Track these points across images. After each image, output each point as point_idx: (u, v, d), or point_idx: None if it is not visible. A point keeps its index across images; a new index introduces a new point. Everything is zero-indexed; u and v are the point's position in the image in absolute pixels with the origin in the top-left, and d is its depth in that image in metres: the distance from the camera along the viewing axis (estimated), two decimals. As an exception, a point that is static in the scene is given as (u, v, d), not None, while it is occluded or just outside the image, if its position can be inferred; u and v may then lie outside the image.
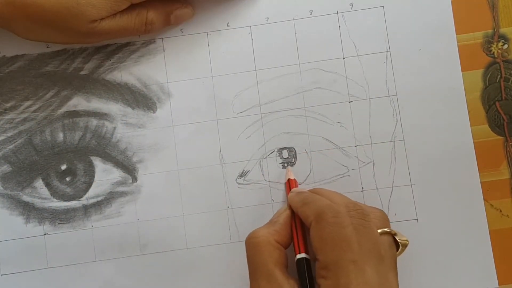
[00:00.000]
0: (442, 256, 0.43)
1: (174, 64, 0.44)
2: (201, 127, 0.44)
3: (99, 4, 0.39)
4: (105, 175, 0.44)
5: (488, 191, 0.43)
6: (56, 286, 0.43)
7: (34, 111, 0.44)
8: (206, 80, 0.44)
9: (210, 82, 0.44)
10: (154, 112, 0.44)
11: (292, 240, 0.39)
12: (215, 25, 0.45)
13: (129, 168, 0.44)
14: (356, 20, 0.44)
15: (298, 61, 0.44)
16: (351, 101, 0.44)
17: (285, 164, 0.44)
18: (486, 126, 0.44)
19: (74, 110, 0.44)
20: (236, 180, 0.44)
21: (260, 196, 0.43)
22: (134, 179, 0.44)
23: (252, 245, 0.38)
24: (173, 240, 0.43)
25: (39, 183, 0.44)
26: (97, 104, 0.44)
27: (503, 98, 0.44)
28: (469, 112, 0.44)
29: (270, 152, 0.44)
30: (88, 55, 0.44)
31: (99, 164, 0.44)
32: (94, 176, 0.44)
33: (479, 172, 0.43)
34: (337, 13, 0.44)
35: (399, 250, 0.38)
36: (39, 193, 0.44)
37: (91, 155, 0.44)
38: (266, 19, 0.45)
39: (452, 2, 0.44)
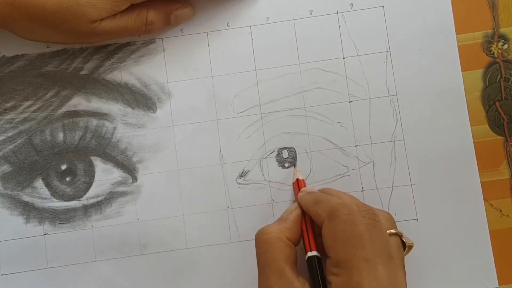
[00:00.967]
0: (442, 256, 0.43)
1: (174, 64, 0.44)
2: (201, 127, 0.44)
3: (100, 4, 0.39)
4: (105, 175, 0.44)
5: (488, 191, 0.43)
6: (56, 286, 0.43)
7: (34, 111, 0.44)
8: (206, 80, 0.44)
9: (210, 82, 0.44)
10: (154, 112, 0.44)
11: (301, 238, 0.39)
12: (215, 25, 0.45)
13: (129, 168, 0.44)
14: (356, 20, 0.44)
15: (298, 61, 0.44)
16: (351, 101, 0.44)
17: (286, 164, 0.44)
18: (486, 126, 0.44)
19: (74, 110, 0.44)
20: (236, 180, 0.44)
21: (260, 196, 0.43)
22: (134, 179, 0.44)
23: (263, 241, 0.37)
24: (173, 240, 0.43)
25: (39, 183, 0.44)
26: (97, 104, 0.44)
27: (503, 98, 0.44)
28: (469, 112, 0.44)
29: (270, 152, 0.44)
30: (88, 55, 0.44)
31: (99, 164, 0.44)
32: (94, 176, 0.44)
33: (479, 172, 0.43)
34: (337, 13, 0.44)
35: (405, 251, 0.38)
36: (39, 193, 0.44)
37: (91, 155, 0.44)
38: (266, 19, 0.45)
39: (452, 2, 0.44)
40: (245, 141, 0.44)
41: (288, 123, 0.44)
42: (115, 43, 0.44)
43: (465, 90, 0.44)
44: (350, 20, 0.44)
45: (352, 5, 0.44)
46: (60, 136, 0.44)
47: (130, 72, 0.44)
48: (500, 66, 0.44)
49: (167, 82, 0.44)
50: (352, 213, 0.36)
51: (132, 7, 0.41)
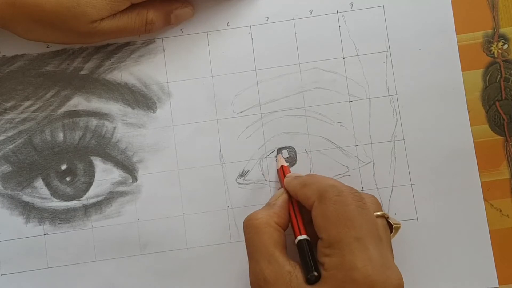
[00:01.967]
0: (441, 256, 0.43)
1: (174, 64, 0.44)
2: (201, 127, 0.44)
3: (100, 4, 0.39)
4: (105, 175, 0.44)
5: (488, 191, 0.43)
6: (56, 286, 0.43)
7: (34, 111, 0.44)
8: (206, 80, 0.44)
9: (210, 82, 0.44)
10: (154, 112, 0.44)
11: (290, 222, 0.39)
12: (215, 25, 0.45)
13: (129, 168, 0.44)
14: (356, 20, 0.44)
15: (298, 61, 0.44)
16: (351, 101, 0.44)
17: (285, 164, 0.44)
18: (486, 126, 0.44)
19: (74, 110, 0.44)
20: (236, 180, 0.44)
21: (260, 196, 0.43)
22: (134, 179, 0.44)
23: (251, 226, 0.38)
24: (173, 240, 0.43)
25: (39, 183, 0.44)
26: (97, 104, 0.44)
27: (503, 98, 0.44)
28: (469, 112, 0.44)
29: (270, 151, 0.44)
30: (88, 55, 0.44)
31: (99, 164, 0.44)
32: (94, 176, 0.44)
33: (479, 172, 0.43)
34: (337, 13, 0.44)
35: (392, 232, 0.38)
36: (39, 193, 0.44)
37: (91, 155, 0.44)
38: (266, 19, 0.45)
39: (452, 2, 0.44)
40: (245, 141, 0.44)
41: (288, 123, 0.44)
42: (115, 43, 0.44)
43: (465, 90, 0.44)
44: (350, 20, 0.44)
45: (352, 5, 0.44)
46: (60, 136, 0.44)
47: (130, 72, 0.44)
48: (500, 66, 0.44)
49: (167, 82, 0.44)
50: (341, 194, 0.36)
51: (132, 7, 0.41)
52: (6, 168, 0.44)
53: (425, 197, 0.43)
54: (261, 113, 0.44)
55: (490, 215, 0.43)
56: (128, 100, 0.44)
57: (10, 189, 0.44)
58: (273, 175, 0.44)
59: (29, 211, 0.43)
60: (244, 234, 0.38)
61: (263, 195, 0.43)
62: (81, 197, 0.44)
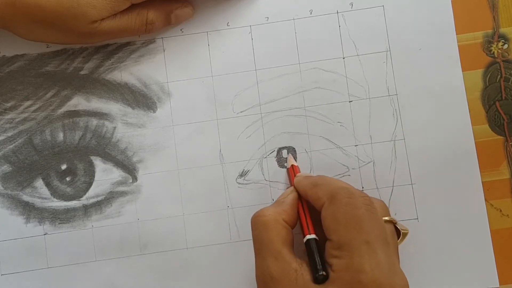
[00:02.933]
0: (442, 256, 0.43)
1: (174, 64, 0.44)
2: (201, 127, 0.44)
3: (100, 4, 0.39)
4: (105, 175, 0.44)
5: (488, 191, 0.43)
6: (56, 286, 0.43)
7: (34, 111, 0.44)
8: (206, 80, 0.44)
9: (210, 82, 0.44)
10: (154, 112, 0.44)
11: (298, 221, 0.39)
12: (215, 25, 0.45)
13: (129, 168, 0.44)
14: (356, 20, 0.44)
15: (298, 61, 0.44)
16: (351, 101, 0.44)
17: (286, 164, 0.44)
18: (486, 126, 0.44)
19: (74, 110, 0.44)
20: (236, 180, 0.44)
21: (260, 196, 0.43)
22: (134, 179, 0.44)
23: (259, 223, 0.37)
24: (173, 240, 0.43)
25: (39, 183, 0.44)
26: (97, 104, 0.44)
27: (503, 98, 0.44)
28: (469, 112, 0.44)
29: (270, 151, 0.44)
30: (88, 55, 0.44)
31: (99, 164, 0.44)
32: (94, 176, 0.44)
33: (480, 172, 0.43)
34: (337, 13, 0.44)
35: (400, 238, 0.38)
36: (39, 193, 0.44)
37: (91, 155, 0.44)
38: (266, 19, 0.45)
39: (452, 2, 0.44)
40: (245, 141, 0.44)
41: (288, 123, 0.44)
42: (115, 43, 0.44)
43: (465, 90, 0.44)
44: (350, 20, 0.44)
45: (352, 5, 0.45)
46: (60, 136, 0.44)
47: (130, 72, 0.44)
48: (500, 66, 0.44)
49: (167, 82, 0.44)
50: (352, 197, 0.36)
51: (132, 7, 0.41)
52: (6, 168, 0.44)
53: (425, 197, 0.43)
54: (261, 113, 0.44)
55: (490, 215, 0.43)
56: (128, 100, 0.44)
57: (10, 189, 0.44)
58: (273, 175, 0.44)
59: (29, 211, 0.43)
60: (252, 231, 0.38)
61: (263, 195, 0.43)
62: (81, 197, 0.43)
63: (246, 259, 0.43)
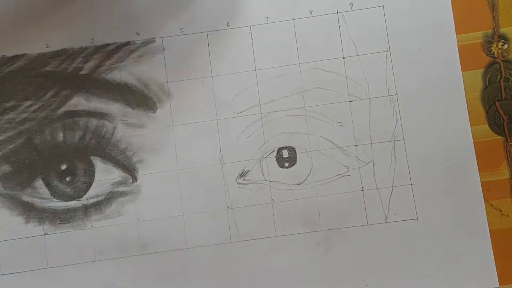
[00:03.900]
0: (441, 256, 0.43)
1: (174, 64, 0.44)
2: (201, 127, 0.44)
3: None
4: (105, 175, 0.44)
5: (488, 191, 0.43)
6: (56, 286, 0.43)
7: (34, 111, 0.44)
8: (206, 80, 0.44)
9: (210, 82, 0.44)
10: (154, 112, 0.44)
11: None
12: (215, 25, 0.45)
13: (129, 168, 0.44)
14: (356, 20, 0.44)
15: (298, 61, 0.44)
16: (351, 101, 0.44)
17: (286, 164, 0.44)
18: (486, 126, 0.44)
19: (74, 110, 0.44)
20: (236, 180, 0.44)
21: (260, 196, 0.43)
22: (134, 179, 0.44)
23: None
24: (173, 240, 0.43)
25: (39, 183, 0.44)
26: (97, 104, 0.44)
27: (503, 98, 0.44)
28: (469, 112, 0.44)
29: (270, 152, 0.44)
30: (88, 55, 0.44)
31: (99, 164, 0.44)
32: (94, 176, 0.44)
33: (479, 172, 0.43)
34: (337, 13, 0.45)
35: None
36: (39, 193, 0.44)
37: (91, 155, 0.44)
38: (266, 19, 0.45)
39: (452, 2, 0.44)
40: (245, 141, 0.44)
41: (288, 123, 0.44)
42: (115, 43, 0.44)
43: (465, 90, 0.44)
44: (350, 20, 0.44)
45: (352, 5, 0.45)
46: (60, 136, 0.44)
47: (130, 72, 0.44)
48: (500, 66, 0.44)
49: (167, 82, 0.44)
50: None
51: None
52: (6, 168, 0.44)
53: (425, 197, 0.43)
54: (261, 113, 0.44)
55: (490, 215, 0.43)
56: (128, 100, 0.44)
57: (10, 189, 0.44)
58: (273, 175, 0.44)
59: (29, 211, 0.43)
60: None
61: (263, 195, 0.43)
62: (81, 197, 0.44)
63: (246, 259, 0.43)
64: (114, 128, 0.44)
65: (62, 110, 0.44)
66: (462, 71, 0.44)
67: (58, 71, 0.44)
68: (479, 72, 0.44)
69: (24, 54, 0.44)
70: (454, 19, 0.44)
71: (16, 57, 0.44)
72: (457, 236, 0.43)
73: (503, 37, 0.44)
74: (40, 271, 0.43)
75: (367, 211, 0.43)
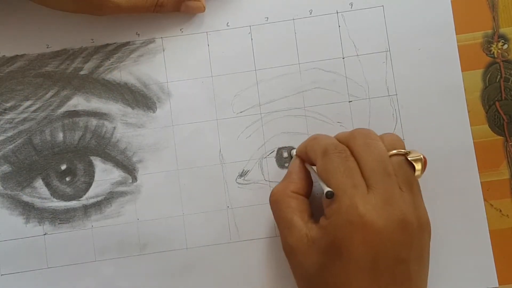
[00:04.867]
0: (442, 256, 0.43)
1: (174, 64, 0.44)
2: (201, 127, 0.44)
3: None
4: (105, 175, 0.44)
5: (488, 191, 0.43)
6: (56, 286, 0.43)
7: (34, 111, 0.44)
8: (206, 80, 0.44)
9: (210, 82, 0.44)
10: (154, 112, 0.44)
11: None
12: (215, 25, 0.45)
13: (129, 168, 0.44)
14: (356, 20, 0.44)
15: (298, 61, 0.44)
16: (351, 101, 0.44)
17: (285, 164, 0.44)
18: (486, 126, 0.44)
19: (74, 110, 0.44)
20: (236, 180, 0.44)
21: (260, 196, 0.43)
22: (134, 179, 0.44)
23: (272, 203, 0.40)
24: (173, 240, 0.43)
25: (39, 183, 0.44)
26: (96, 104, 0.44)
27: (503, 98, 0.44)
28: (469, 112, 0.44)
29: (270, 152, 0.44)
30: (87, 55, 0.44)
31: (99, 164, 0.44)
32: (94, 176, 0.44)
33: (479, 172, 0.43)
34: (337, 13, 0.44)
35: (416, 168, 0.38)
36: (39, 193, 0.44)
37: (91, 155, 0.44)
38: (266, 19, 0.45)
39: (452, 2, 0.44)
40: (245, 141, 0.44)
41: (288, 123, 0.44)
42: (115, 43, 0.44)
43: (465, 90, 0.44)
44: (350, 20, 0.44)
45: (351, 5, 0.44)
46: (60, 136, 0.44)
47: (129, 72, 0.44)
48: (500, 66, 0.44)
49: (167, 82, 0.44)
50: (342, 151, 0.37)
51: None
52: (6, 168, 0.44)
53: (425, 197, 0.43)
54: (261, 113, 0.44)
55: (490, 215, 0.43)
56: (127, 100, 0.44)
57: (10, 189, 0.44)
58: (273, 175, 0.44)
59: (29, 211, 0.43)
60: (271, 211, 0.40)
61: (263, 195, 0.43)
62: (81, 197, 0.44)
63: (246, 259, 0.43)
64: (114, 128, 0.44)
65: (62, 110, 0.44)
66: (462, 71, 0.44)
67: (58, 71, 0.44)
68: (479, 72, 0.44)
69: (24, 54, 0.44)
70: (454, 19, 0.44)
71: (16, 57, 0.44)
72: (457, 236, 0.43)
73: (503, 37, 0.44)
74: (40, 271, 0.43)
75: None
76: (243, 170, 0.44)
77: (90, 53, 0.44)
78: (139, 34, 0.44)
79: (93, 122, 0.44)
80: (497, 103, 0.44)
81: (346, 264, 0.35)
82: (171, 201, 0.44)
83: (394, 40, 0.44)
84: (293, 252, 0.37)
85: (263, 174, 0.44)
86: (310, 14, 0.45)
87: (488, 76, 0.44)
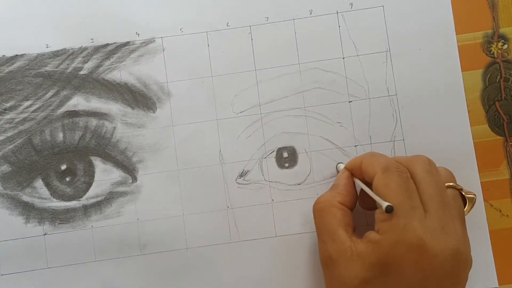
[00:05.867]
0: (442, 256, 0.43)
1: (174, 64, 0.44)
2: (201, 127, 0.44)
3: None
4: (105, 175, 0.44)
5: (488, 191, 0.43)
6: (56, 286, 0.43)
7: (34, 111, 0.44)
8: (206, 80, 0.44)
9: (210, 82, 0.44)
10: (154, 112, 0.44)
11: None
12: (215, 25, 0.45)
13: (129, 168, 0.44)
14: (356, 20, 0.44)
15: (298, 61, 0.44)
16: (351, 101, 0.44)
17: (285, 164, 0.44)
18: (486, 126, 0.44)
19: (74, 110, 0.44)
20: (236, 180, 0.44)
21: (260, 196, 0.43)
22: (134, 179, 0.44)
23: (317, 211, 0.39)
24: (173, 240, 0.43)
25: (39, 183, 0.44)
26: (96, 104, 0.44)
27: (503, 98, 0.44)
28: (469, 112, 0.44)
29: (270, 152, 0.44)
30: (87, 55, 0.44)
31: (99, 164, 0.44)
32: (94, 176, 0.44)
33: (479, 172, 0.43)
34: (337, 13, 0.44)
35: (467, 205, 0.39)
36: (39, 193, 0.44)
37: (91, 155, 0.44)
38: (266, 19, 0.45)
39: (452, 2, 0.44)
40: (245, 141, 0.44)
41: (288, 123, 0.44)
42: (115, 43, 0.44)
43: (465, 90, 0.44)
44: (350, 20, 0.44)
45: (352, 5, 0.44)
46: (60, 136, 0.44)
47: (129, 72, 0.44)
48: (500, 66, 0.44)
49: (167, 82, 0.44)
50: (404, 170, 0.37)
51: None
52: (6, 168, 0.44)
53: (425, 197, 0.43)
54: (261, 113, 0.44)
55: (490, 215, 0.43)
56: (127, 100, 0.44)
57: (10, 189, 0.44)
58: (273, 175, 0.44)
59: (29, 211, 0.43)
60: (314, 219, 0.40)
61: (263, 195, 0.43)
62: (81, 197, 0.44)
63: (246, 259, 0.43)
64: (114, 128, 0.44)
65: (61, 110, 0.44)
66: (462, 71, 0.44)
67: (58, 71, 0.44)
68: (479, 72, 0.44)
69: (24, 54, 0.44)
70: (454, 19, 0.44)
71: (15, 57, 0.44)
72: (457, 236, 0.43)
73: (503, 37, 0.44)
74: (40, 271, 0.43)
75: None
76: (243, 170, 0.44)
77: (90, 53, 0.44)
78: (139, 34, 0.44)
79: (93, 122, 0.44)
80: (497, 103, 0.44)
81: (393, 282, 0.35)
82: (171, 201, 0.44)
83: (394, 40, 0.44)
84: (333, 263, 0.37)
85: (263, 174, 0.44)
86: (310, 14, 0.45)
87: (488, 76, 0.44)
